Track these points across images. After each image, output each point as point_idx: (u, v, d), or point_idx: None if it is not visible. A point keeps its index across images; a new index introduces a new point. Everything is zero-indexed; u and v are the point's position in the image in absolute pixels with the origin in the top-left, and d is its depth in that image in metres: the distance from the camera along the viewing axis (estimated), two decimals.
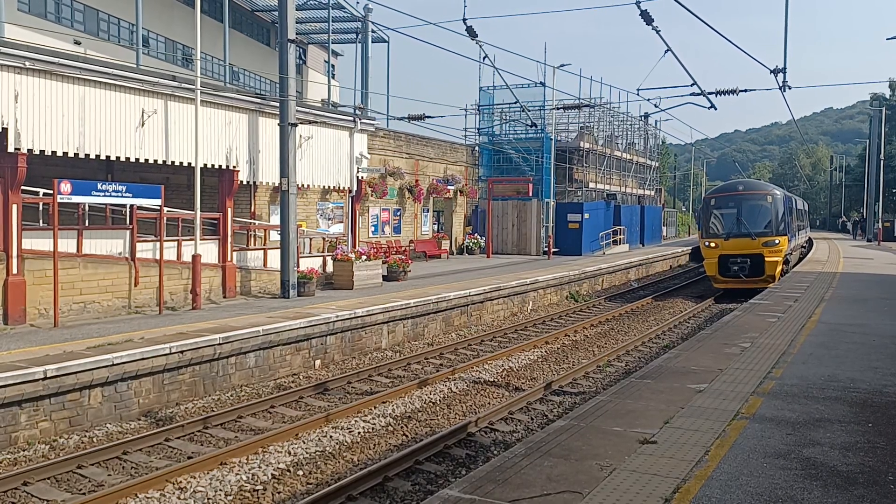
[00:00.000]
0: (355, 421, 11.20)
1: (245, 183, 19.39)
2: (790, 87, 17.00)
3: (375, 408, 11.94)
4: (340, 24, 36.79)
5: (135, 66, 18.37)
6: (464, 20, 18.79)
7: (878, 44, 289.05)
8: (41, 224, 16.07)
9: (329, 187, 22.97)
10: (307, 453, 9.79)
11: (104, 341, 12.07)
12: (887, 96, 68.77)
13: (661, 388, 9.44)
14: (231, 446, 9.78)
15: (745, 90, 17.52)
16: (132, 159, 16.17)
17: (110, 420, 10.95)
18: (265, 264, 19.98)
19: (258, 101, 19.59)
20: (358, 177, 23.62)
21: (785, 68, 16.68)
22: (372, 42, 34.46)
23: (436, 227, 34.29)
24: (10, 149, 13.78)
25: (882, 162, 54.34)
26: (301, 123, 19.76)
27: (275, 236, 20.45)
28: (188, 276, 16.97)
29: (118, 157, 15.95)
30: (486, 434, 10.66)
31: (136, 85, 16.05)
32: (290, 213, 18.71)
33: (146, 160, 16.48)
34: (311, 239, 23.16)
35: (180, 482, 8.69)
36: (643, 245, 45.87)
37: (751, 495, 5.86)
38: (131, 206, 16.32)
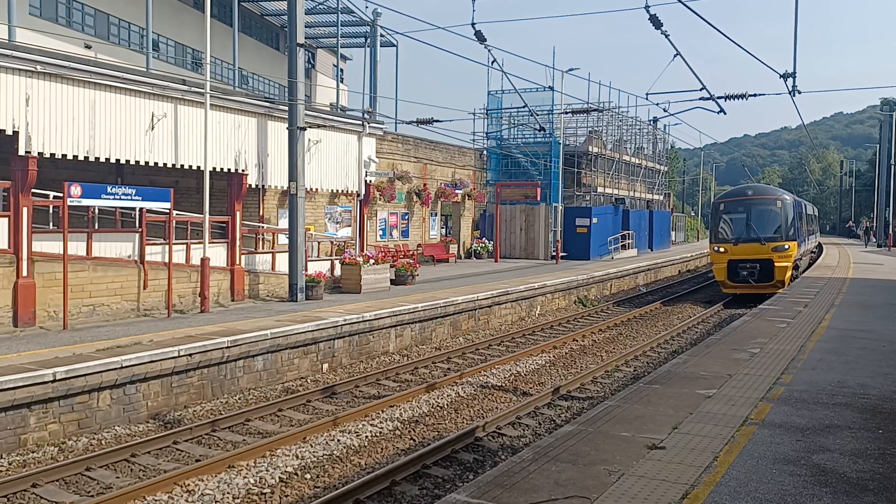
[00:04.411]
0: (363, 425, 11.19)
1: (254, 186, 19.47)
2: (800, 92, 16.98)
3: (383, 412, 11.93)
4: (349, 28, 36.87)
5: (145, 69, 18.45)
6: (472, 24, 18.88)
7: (890, 49, 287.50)
8: (51, 227, 16.16)
9: (337, 191, 23.03)
10: (315, 457, 9.80)
11: (113, 344, 12.12)
12: None
13: (670, 394, 9.40)
14: (239, 449, 9.79)
15: (755, 94, 17.53)
16: (142, 163, 16.27)
17: (119, 422, 10.99)
18: (273, 268, 20.02)
19: (267, 104, 19.67)
20: (366, 181, 23.68)
21: (794, 73, 16.65)
22: (381, 46, 34.52)
23: (444, 231, 34.27)
24: (21, 152, 13.89)
25: (892, 167, 54.06)
26: (310, 127, 19.83)
27: (283, 240, 20.50)
28: (197, 280, 17.02)
29: (128, 161, 16.05)
30: (493, 439, 10.63)
31: (146, 89, 16.15)
32: (299, 217, 18.76)
33: (156, 163, 16.57)
34: (319, 242, 23.19)
35: (188, 485, 8.71)
36: (652, 250, 45.76)
37: (760, 501, 5.83)
38: (140, 209, 16.40)
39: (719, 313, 23.98)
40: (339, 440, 10.46)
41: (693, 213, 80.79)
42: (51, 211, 16.67)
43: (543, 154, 36.17)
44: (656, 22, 15.58)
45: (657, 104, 35.74)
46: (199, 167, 17.27)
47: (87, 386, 10.50)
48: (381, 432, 10.91)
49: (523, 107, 30.54)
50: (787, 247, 24.84)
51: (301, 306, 17.55)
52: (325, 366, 14.90)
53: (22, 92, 13.80)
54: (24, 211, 13.96)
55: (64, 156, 14.72)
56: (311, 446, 10.19)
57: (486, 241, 35.45)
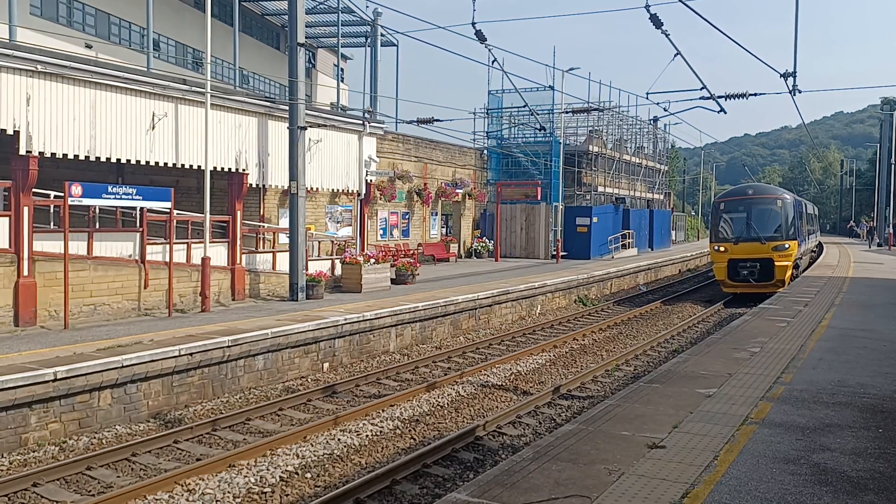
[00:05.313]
0: (363, 424, 11.20)
1: (254, 186, 19.47)
2: (800, 91, 16.93)
3: (383, 411, 11.94)
4: (350, 28, 36.89)
5: (145, 69, 18.47)
6: (472, 24, 18.86)
7: (891, 49, 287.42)
8: (52, 226, 16.17)
9: (338, 190, 23.04)
10: (315, 456, 9.81)
11: (114, 343, 12.13)
12: None
13: (670, 393, 9.41)
14: (239, 448, 9.80)
15: (755, 94, 17.52)
16: (143, 162, 16.28)
17: (119, 422, 11.00)
18: (274, 267, 20.03)
19: (268, 104, 19.67)
20: (367, 180, 23.68)
21: (795, 72, 16.62)
22: (381, 46, 34.54)
23: (444, 230, 34.29)
24: (22, 151, 13.90)
25: (893, 166, 54.05)
26: (310, 127, 19.83)
27: (284, 239, 20.51)
28: (197, 279, 17.03)
29: (129, 160, 16.06)
30: (494, 438, 10.64)
31: (146, 88, 16.16)
32: (299, 217, 18.77)
33: (156, 163, 16.58)
34: (319, 242, 23.21)
35: (189, 484, 8.72)
36: (652, 249, 45.75)
37: (760, 500, 5.83)
38: (141, 208, 16.41)
39: (719, 312, 23.99)
40: (339, 439, 10.47)
41: (693, 213, 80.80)
42: (52, 210, 16.67)
43: (544, 153, 36.17)
44: (657, 21, 15.56)
45: (657, 103, 35.68)
46: (199, 167, 17.27)
47: (87, 385, 10.51)
48: (381, 431, 10.92)
49: (524, 106, 30.57)
50: (787, 246, 24.84)
51: (302, 305, 17.55)
52: (326, 365, 14.91)
53: (23, 92, 13.81)
54: (24, 210, 13.97)
55: (65, 155, 14.73)
56: (312, 445, 10.20)
57: (487, 240, 35.46)
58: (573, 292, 25.66)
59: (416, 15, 17.26)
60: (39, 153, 14.18)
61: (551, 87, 35.87)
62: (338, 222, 24.79)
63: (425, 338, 17.91)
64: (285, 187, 19.62)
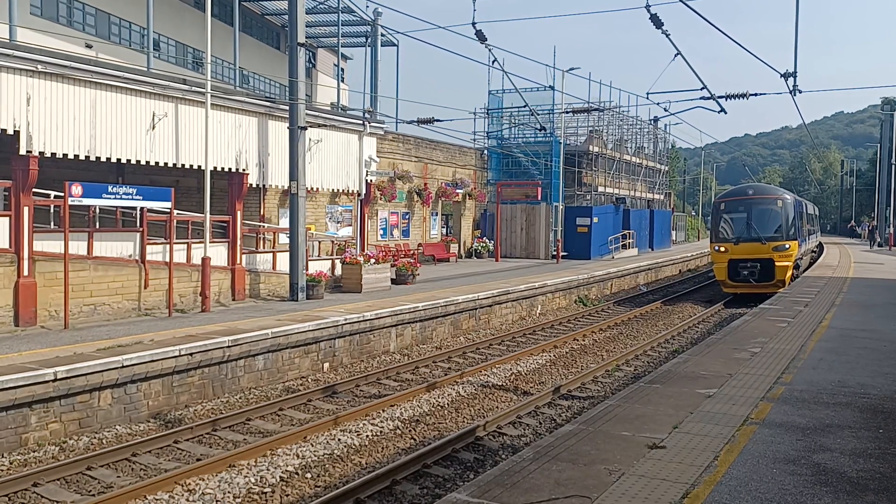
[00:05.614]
0: (363, 424, 11.20)
1: (254, 186, 19.47)
2: (801, 91, 16.93)
3: (384, 411, 11.94)
4: (350, 27, 36.89)
5: (146, 69, 18.46)
6: (473, 24, 18.87)
7: (891, 48, 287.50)
8: (52, 226, 16.17)
9: (338, 190, 23.03)
10: (315, 456, 9.81)
11: (114, 343, 12.12)
12: None
13: (670, 393, 9.40)
14: (240, 448, 9.80)
15: (756, 94, 17.52)
16: (143, 162, 16.28)
17: (120, 422, 10.99)
18: (274, 267, 20.03)
19: (268, 104, 19.67)
20: (367, 180, 23.67)
21: (795, 72, 16.62)
22: (381, 46, 34.53)
23: (444, 230, 34.28)
24: (22, 151, 13.90)
25: (893, 166, 54.04)
26: (310, 127, 19.83)
27: (284, 239, 20.51)
28: (197, 279, 17.03)
29: (129, 160, 16.06)
30: (494, 438, 10.64)
31: (146, 88, 16.16)
32: (300, 216, 18.77)
33: (156, 163, 16.58)
34: (319, 242, 23.21)
35: (189, 484, 8.72)
36: (652, 249, 45.75)
37: (760, 501, 5.83)
38: (141, 208, 16.41)
39: (720, 313, 23.98)
40: (339, 439, 10.47)
41: (694, 213, 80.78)
42: (52, 210, 16.67)
43: (544, 153, 36.16)
44: (657, 21, 15.56)
45: (658, 104, 35.70)
46: (199, 167, 17.27)
47: (87, 385, 10.51)
48: (381, 431, 10.92)
49: (524, 106, 30.55)
50: (787, 246, 24.84)
51: (302, 306, 17.55)
52: (326, 365, 14.91)
53: (23, 91, 13.81)
54: (25, 210, 13.97)
55: (65, 155, 14.73)
56: (312, 445, 10.20)
57: (487, 240, 35.47)
58: (573, 292, 25.66)
59: (417, 15, 17.27)
60: (39, 153, 14.18)
61: (551, 87, 35.88)
62: (338, 222, 24.79)
63: (425, 338, 17.91)
64: (285, 187, 19.62)
